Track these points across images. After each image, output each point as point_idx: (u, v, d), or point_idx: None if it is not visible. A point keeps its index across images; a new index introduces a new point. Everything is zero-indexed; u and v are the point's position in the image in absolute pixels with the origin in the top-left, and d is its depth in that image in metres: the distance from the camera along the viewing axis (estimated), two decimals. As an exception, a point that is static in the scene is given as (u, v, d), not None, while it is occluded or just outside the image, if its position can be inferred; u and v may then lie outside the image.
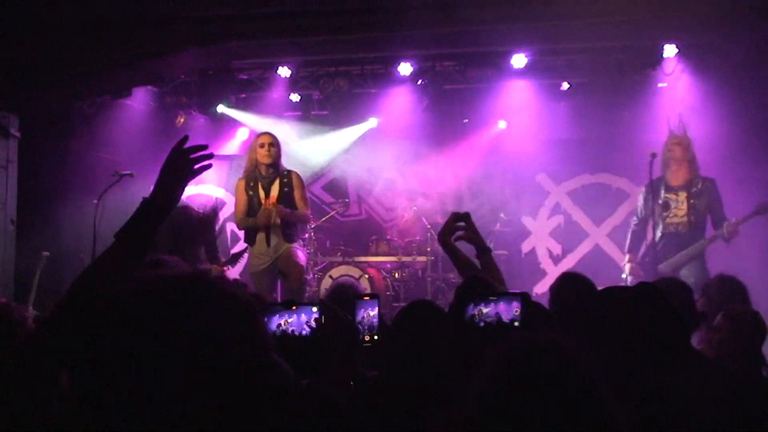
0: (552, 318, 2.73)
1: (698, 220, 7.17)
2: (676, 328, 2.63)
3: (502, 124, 10.24)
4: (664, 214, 7.15)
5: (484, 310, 2.44)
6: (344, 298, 4.65)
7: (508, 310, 2.41)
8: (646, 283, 2.88)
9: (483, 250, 3.78)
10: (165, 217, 2.22)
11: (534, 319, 2.45)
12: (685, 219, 7.15)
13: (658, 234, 7.12)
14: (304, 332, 2.57)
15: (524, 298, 2.42)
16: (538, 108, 9.78)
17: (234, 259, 7.54)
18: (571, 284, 3.86)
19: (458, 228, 3.86)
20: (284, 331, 2.56)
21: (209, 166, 2.30)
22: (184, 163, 2.26)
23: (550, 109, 9.81)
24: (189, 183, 2.26)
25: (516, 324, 2.38)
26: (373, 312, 3.13)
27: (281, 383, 2.01)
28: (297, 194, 7.02)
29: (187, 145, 2.30)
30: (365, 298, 3.19)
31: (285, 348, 2.44)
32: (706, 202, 7.18)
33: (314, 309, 2.60)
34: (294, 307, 2.60)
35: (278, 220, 6.90)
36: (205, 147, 2.31)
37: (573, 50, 9.02)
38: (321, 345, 2.57)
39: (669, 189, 7.18)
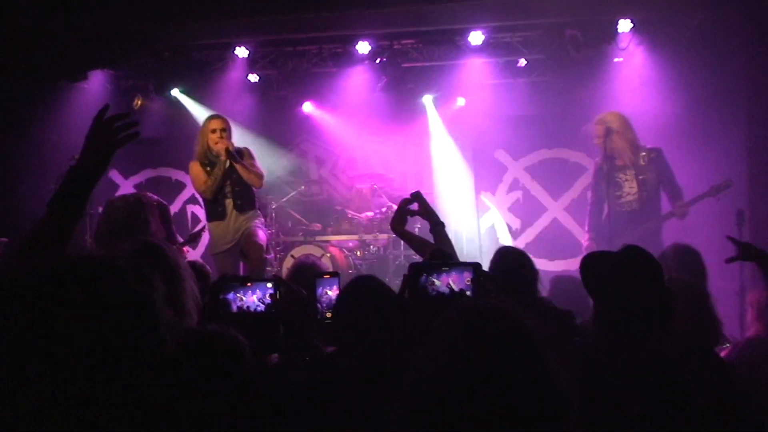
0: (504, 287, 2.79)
1: (650, 195, 7.24)
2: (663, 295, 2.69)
3: (460, 101, 10.29)
4: (617, 193, 7.22)
5: (436, 282, 2.49)
6: (306, 276, 4.70)
7: (460, 280, 2.46)
8: (633, 246, 2.90)
9: (436, 224, 3.86)
10: (94, 184, 2.22)
11: (486, 289, 2.50)
12: (636, 196, 7.22)
13: (613, 212, 7.21)
14: (259, 308, 2.61)
15: (476, 268, 2.48)
16: (496, 85, 9.85)
17: (192, 238, 7.62)
18: (510, 257, 3.96)
19: (409, 212, 3.94)
20: (240, 308, 2.59)
21: (136, 135, 2.29)
22: (108, 135, 2.25)
23: (508, 86, 9.89)
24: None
25: (468, 293, 2.44)
26: (333, 290, 3.17)
27: (237, 356, 2.06)
28: (249, 164, 7.07)
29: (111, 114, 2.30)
30: (325, 276, 3.22)
31: (241, 324, 2.47)
32: (656, 175, 7.25)
33: (269, 285, 2.63)
34: (249, 284, 2.64)
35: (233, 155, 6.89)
36: (127, 115, 2.29)
37: (529, 27, 9.08)
38: (277, 321, 2.61)
39: (617, 168, 7.24)
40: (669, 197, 7.32)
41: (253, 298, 2.61)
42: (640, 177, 7.21)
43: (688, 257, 4.74)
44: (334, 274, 3.26)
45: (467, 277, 2.45)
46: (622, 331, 2.52)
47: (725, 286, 5.20)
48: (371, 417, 2.35)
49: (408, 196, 4.06)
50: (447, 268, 2.45)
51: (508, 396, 1.60)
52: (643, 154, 7.25)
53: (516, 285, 3.67)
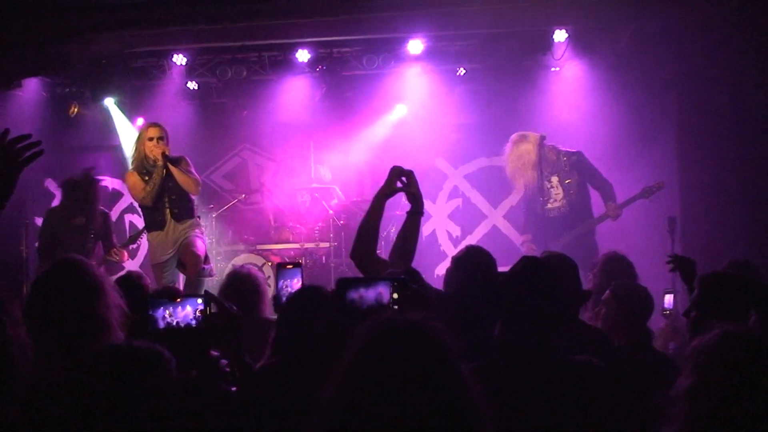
0: (430, 301, 2.83)
1: (579, 197, 7.41)
2: (560, 299, 2.78)
3: (401, 110, 10.33)
4: (543, 199, 7.36)
5: (364, 295, 2.52)
6: (242, 286, 4.67)
7: (386, 295, 2.49)
8: (528, 257, 3.02)
9: (417, 211, 3.76)
10: (3, 204, 2.24)
11: (410, 302, 2.53)
12: (564, 201, 7.38)
13: (546, 218, 7.35)
14: (190, 324, 2.60)
15: (400, 283, 2.51)
16: (435, 93, 9.93)
17: (131, 239, 7.64)
18: (474, 256, 3.98)
19: (400, 188, 3.77)
20: (169, 324, 2.58)
21: (40, 153, 2.30)
22: (11, 156, 2.26)
23: (447, 94, 9.97)
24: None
25: (395, 307, 2.47)
26: (296, 281, 3.11)
27: (160, 372, 2.06)
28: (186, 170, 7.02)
29: (12, 136, 2.31)
30: (288, 266, 3.18)
31: (171, 340, 2.47)
32: (578, 177, 7.42)
33: (199, 300, 2.63)
34: (178, 299, 2.63)
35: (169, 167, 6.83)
36: (28, 136, 2.31)
37: (467, 36, 9.18)
38: (207, 336, 2.61)
39: (541, 176, 7.39)
40: (601, 196, 7.48)
41: (182, 314, 2.60)
42: (565, 182, 7.37)
43: (618, 267, 4.84)
44: (296, 265, 3.20)
45: (390, 291, 2.47)
46: (521, 341, 2.63)
47: (658, 290, 5.32)
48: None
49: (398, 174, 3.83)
50: (374, 283, 2.48)
51: (418, 409, 1.61)
52: (564, 159, 7.42)
53: (474, 290, 3.69)
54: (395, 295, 2.43)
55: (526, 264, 2.86)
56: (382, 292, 2.46)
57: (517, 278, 2.78)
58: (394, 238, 3.87)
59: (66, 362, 2.38)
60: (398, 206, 9.83)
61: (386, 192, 3.77)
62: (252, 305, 4.52)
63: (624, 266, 4.86)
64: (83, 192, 7.27)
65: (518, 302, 2.69)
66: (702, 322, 3.33)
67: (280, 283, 3.07)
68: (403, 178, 3.82)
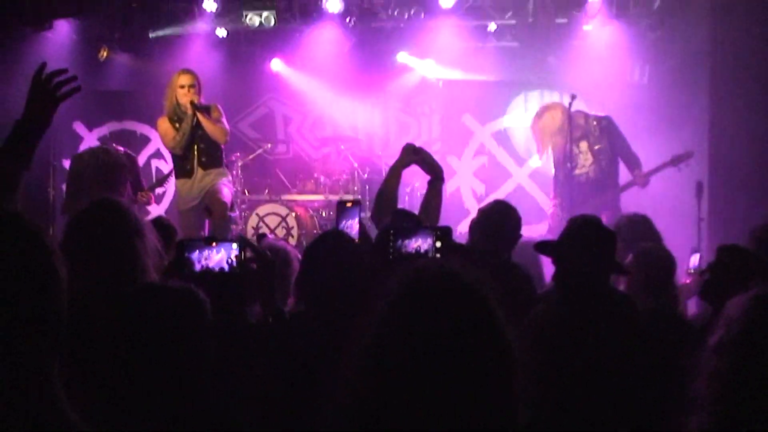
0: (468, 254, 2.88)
1: (608, 163, 7.32)
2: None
3: (430, 64, 10.26)
4: (571, 165, 7.27)
5: (406, 242, 2.54)
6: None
7: (425, 244, 2.51)
8: (586, 216, 3.12)
9: (437, 178, 3.85)
10: (39, 138, 2.26)
11: (452, 252, 2.56)
12: (594, 166, 7.30)
13: (573, 183, 7.27)
14: (223, 268, 2.63)
15: (442, 232, 2.53)
16: (465, 48, 9.84)
17: (159, 182, 7.67)
18: (502, 211, 4.05)
19: (414, 159, 3.86)
20: (205, 267, 2.61)
21: (78, 88, 2.31)
22: (48, 91, 2.27)
23: (477, 50, 9.88)
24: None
25: (437, 255, 2.50)
26: (354, 220, 3.12)
27: (197, 312, 2.09)
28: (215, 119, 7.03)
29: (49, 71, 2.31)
30: (348, 204, 3.20)
31: (205, 283, 2.50)
32: (608, 143, 7.33)
33: (234, 245, 2.65)
34: (214, 244, 2.65)
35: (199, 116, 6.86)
36: (65, 71, 2.31)
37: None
38: (241, 280, 2.63)
39: (572, 140, 7.29)
40: (626, 165, 7.40)
41: (217, 258, 2.63)
42: (595, 147, 7.29)
43: (642, 230, 4.81)
44: (356, 202, 3.20)
45: (432, 241, 2.49)
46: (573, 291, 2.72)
47: (683, 256, 5.31)
48: (330, 375, 2.39)
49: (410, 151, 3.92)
50: (418, 231, 2.50)
51: (454, 357, 1.60)
52: (594, 123, 7.33)
53: (490, 243, 3.75)
54: (438, 244, 2.46)
55: (585, 221, 2.96)
56: (420, 241, 2.48)
57: (576, 232, 2.85)
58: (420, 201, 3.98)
59: (104, 302, 2.39)
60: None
61: (402, 164, 3.88)
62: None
63: (647, 228, 4.82)
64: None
65: (578, 253, 2.76)
66: (713, 285, 3.51)
67: (343, 222, 3.05)
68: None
